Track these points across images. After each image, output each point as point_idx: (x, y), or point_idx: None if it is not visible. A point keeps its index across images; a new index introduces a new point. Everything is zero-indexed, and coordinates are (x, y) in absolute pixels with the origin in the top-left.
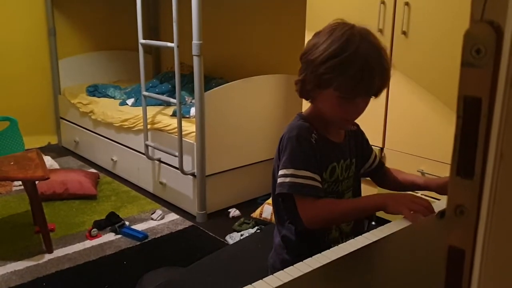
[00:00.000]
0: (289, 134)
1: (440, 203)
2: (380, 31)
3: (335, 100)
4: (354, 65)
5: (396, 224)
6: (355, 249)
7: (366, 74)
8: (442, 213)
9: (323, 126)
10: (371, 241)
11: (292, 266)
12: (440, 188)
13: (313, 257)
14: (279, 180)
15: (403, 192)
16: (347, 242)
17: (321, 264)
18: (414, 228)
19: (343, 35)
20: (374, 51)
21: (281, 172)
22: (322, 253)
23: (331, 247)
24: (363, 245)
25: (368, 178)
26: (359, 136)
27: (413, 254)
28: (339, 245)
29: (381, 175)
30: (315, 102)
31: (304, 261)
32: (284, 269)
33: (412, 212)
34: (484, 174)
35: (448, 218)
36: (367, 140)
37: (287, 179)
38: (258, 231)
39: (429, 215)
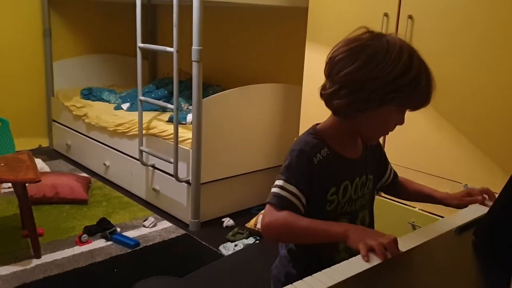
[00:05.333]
0: (294, 147)
1: (447, 219)
2: None
3: (392, 115)
4: (422, 81)
5: (409, 240)
6: (370, 266)
7: (431, 86)
8: (460, 229)
9: (339, 142)
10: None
11: (301, 280)
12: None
13: (323, 271)
14: (272, 189)
15: (370, 229)
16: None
17: (335, 282)
18: (431, 244)
19: (401, 50)
20: (423, 60)
21: (275, 182)
22: (333, 267)
23: None
24: (377, 263)
25: None
26: (377, 151)
27: (430, 270)
28: (349, 260)
29: (394, 187)
30: (355, 119)
31: (313, 275)
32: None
33: (370, 249)
34: None
35: None
36: (385, 155)
37: (275, 189)
38: (257, 241)
39: (387, 255)
